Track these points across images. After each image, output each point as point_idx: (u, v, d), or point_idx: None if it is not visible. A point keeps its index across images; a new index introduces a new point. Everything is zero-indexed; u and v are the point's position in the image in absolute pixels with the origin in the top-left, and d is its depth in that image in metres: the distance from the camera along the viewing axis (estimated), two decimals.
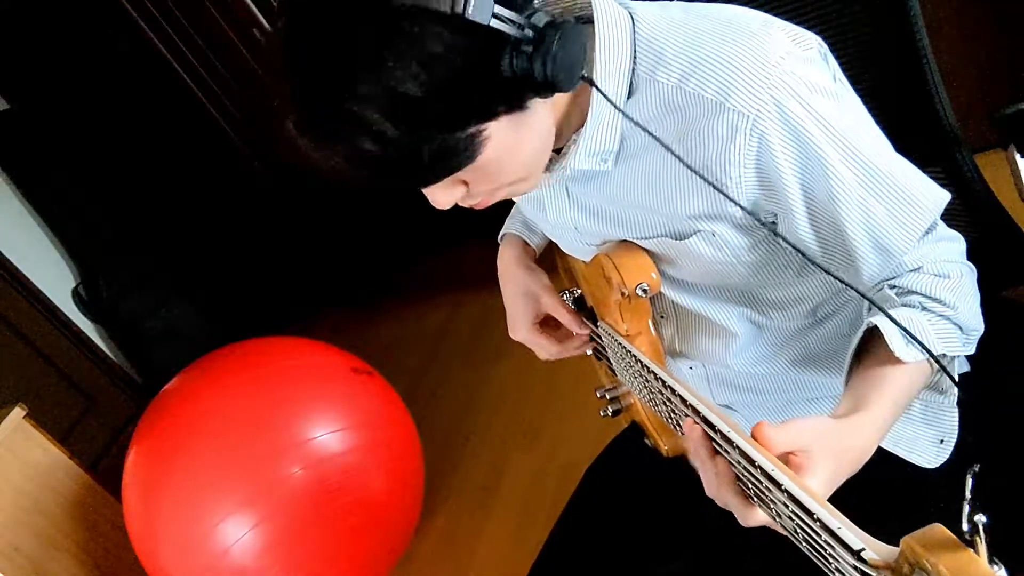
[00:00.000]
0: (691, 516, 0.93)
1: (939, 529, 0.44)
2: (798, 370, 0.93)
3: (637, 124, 0.70)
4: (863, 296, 0.70)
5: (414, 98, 0.59)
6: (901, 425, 0.81)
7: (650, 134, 0.70)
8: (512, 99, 0.64)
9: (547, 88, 0.63)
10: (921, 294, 0.75)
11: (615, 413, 1.04)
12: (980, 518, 0.43)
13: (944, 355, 0.74)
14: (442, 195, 0.70)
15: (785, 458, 0.61)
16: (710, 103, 0.70)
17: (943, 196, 0.77)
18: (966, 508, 0.44)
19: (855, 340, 0.75)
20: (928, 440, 0.82)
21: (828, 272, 0.70)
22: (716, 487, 0.64)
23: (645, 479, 1.03)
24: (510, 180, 0.72)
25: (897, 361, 0.70)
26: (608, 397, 1.04)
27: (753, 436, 0.60)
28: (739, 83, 0.69)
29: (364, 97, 0.59)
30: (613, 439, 1.13)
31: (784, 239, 0.71)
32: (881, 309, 0.71)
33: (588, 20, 0.74)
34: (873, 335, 0.73)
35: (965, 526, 0.44)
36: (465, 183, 0.70)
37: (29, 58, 2.96)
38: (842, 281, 0.69)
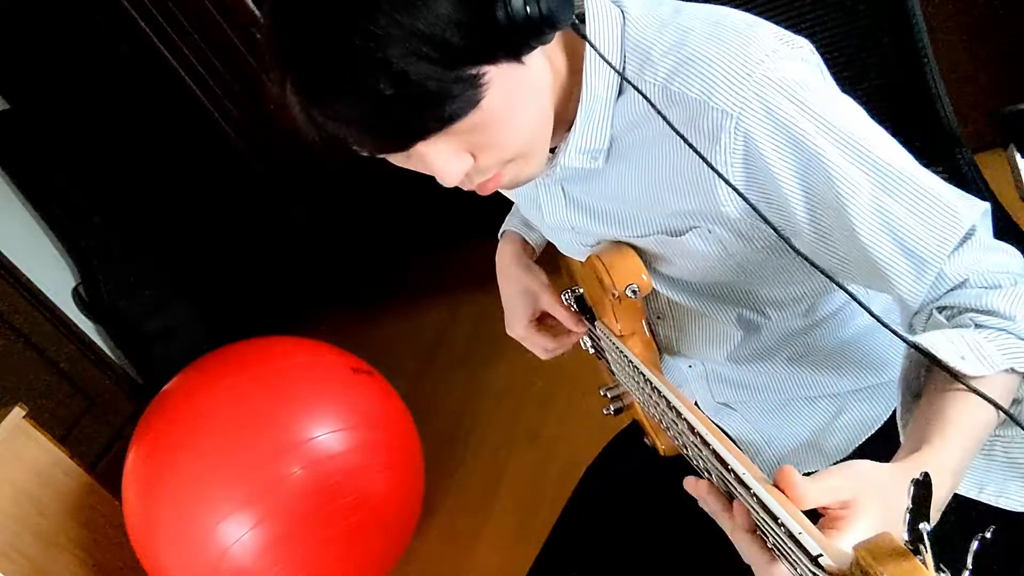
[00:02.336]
0: (690, 516, 0.93)
1: (887, 537, 0.44)
2: (797, 368, 0.93)
3: (641, 92, 0.69)
4: (861, 304, 0.63)
5: (419, 32, 0.59)
6: (982, 470, 0.70)
7: (659, 112, 0.68)
8: (510, 44, 0.64)
9: (541, 27, 0.63)
10: (972, 309, 0.67)
11: (617, 412, 1.04)
12: (924, 526, 0.43)
13: (1014, 371, 0.64)
14: (450, 165, 0.68)
15: (826, 511, 0.54)
16: (694, 102, 0.69)
17: (977, 205, 0.71)
18: (906, 517, 0.43)
19: (904, 367, 0.67)
20: (1016, 483, 0.70)
21: (828, 275, 0.64)
22: (735, 537, 0.58)
23: (644, 479, 1.03)
24: (513, 150, 0.71)
25: (960, 389, 0.61)
26: (610, 396, 1.04)
27: (777, 485, 0.53)
28: (721, 81, 0.68)
29: (370, 32, 0.59)
30: (613, 439, 1.13)
31: (787, 240, 0.66)
32: (900, 335, 0.62)
33: (580, 18, 0.74)
34: (930, 364, 0.63)
35: (906, 535, 0.43)
36: (472, 154, 0.69)
37: (29, 58, 2.96)
38: (837, 284, 0.65)
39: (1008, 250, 0.71)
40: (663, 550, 0.96)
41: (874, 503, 0.53)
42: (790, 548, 0.51)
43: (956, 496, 0.63)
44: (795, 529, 0.50)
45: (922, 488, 0.45)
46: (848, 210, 0.68)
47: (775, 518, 0.52)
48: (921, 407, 0.65)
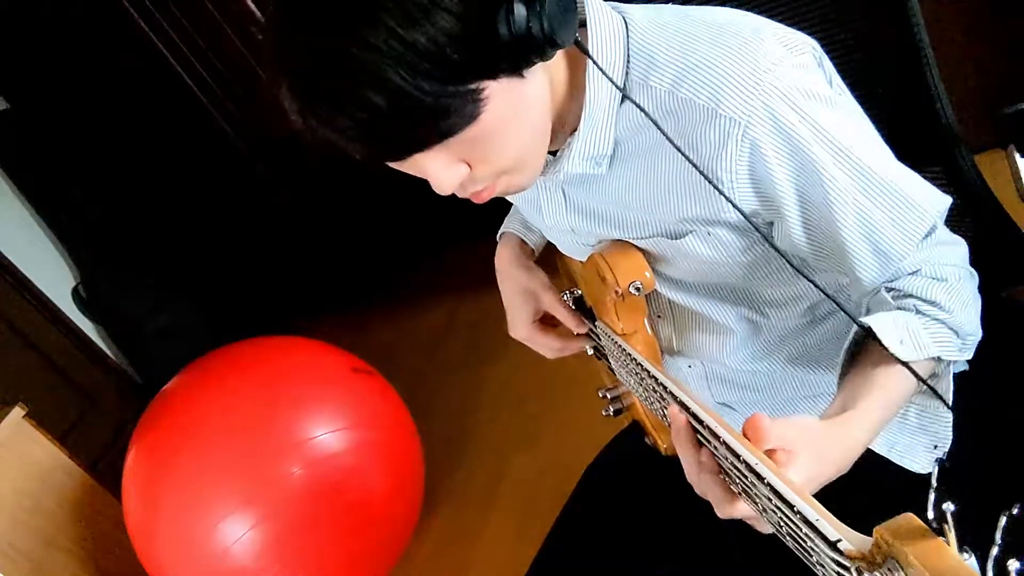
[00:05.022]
0: (690, 516, 0.93)
1: (909, 518, 0.45)
2: (797, 368, 0.93)
3: (639, 107, 0.70)
4: (838, 304, 0.71)
5: (420, 47, 0.59)
6: (895, 431, 0.80)
7: (654, 122, 0.69)
8: (511, 59, 0.64)
9: (543, 45, 0.63)
10: (917, 297, 0.75)
11: (616, 412, 1.04)
12: (948, 506, 0.43)
13: (939, 359, 0.74)
14: (445, 174, 0.68)
15: (770, 453, 0.62)
16: (702, 109, 0.70)
17: (943, 200, 0.76)
18: (932, 496, 0.44)
19: (848, 340, 0.74)
20: (922, 446, 0.81)
21: (812, 281, 0.72)
22: (697, 476, 0.65)
23: (644, 479, 1.03)
24: (508, 163, 0.71)
25: (890, 362, 0.70)
26: (609, 397, 1.04)
27: (745, 429, 0.61)
28: (730, 89, 0.69)
29: (370, 45, 0.59)
30: (612, 439, 1.13)
31: (775, 247, 0.72)
32: (853, 319, 0.71)
33: (581, 23, 0.74)
34: (868, 336, 0.72)
35: (931, 514, 0.44)
36: (467, 164, 0.69)
37: (29, 58, 2.96)
38: (823, 291, 0.71)
39: (958, 242, 0.79)
40: (663, 550, 0.96)
41: (810, 453, 0.62)
42: (807, 535, 0.52)
43: (977, 474, 0.70)
44: (812, 516, 0.51)
45: (944, 470, 0.45)
46: (834, 212, 0.72)
47: (791, 506, 0.53)
48: (855, 371, 0.74)
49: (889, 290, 0.77)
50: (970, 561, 0.42)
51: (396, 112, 0.61)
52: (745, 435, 0.61)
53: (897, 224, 0.74)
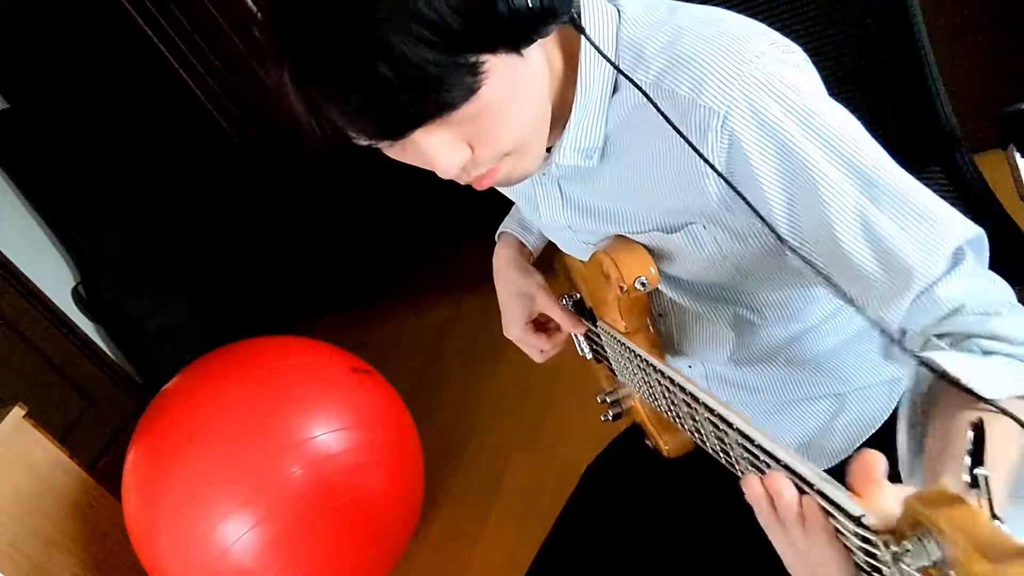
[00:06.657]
0: (689, 518, 0.93)
1: (941, 487, 0.43)
2: (797, 369, 0.93)
3: (633, 82, 0.69)
4: (858, 310, 0.62)
5: (422, 15, 0.60)
6: None
7: (648, 98, 0.68)
8: (510, 33, 0.64)
9: (541, 17, 0.63)
10: (979, 335, 0.62)
11: (616, 417, 1.04)
12: (982, 471, 0.41)
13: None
14: (446, 155, 0.68)
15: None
16: (683, 100, 0.69)
17: (967, 225, 0.66)
18: (967, 460, 0.42)
19: (909, 392, 0.63)
20: None
21: (825, 277, 0.65)
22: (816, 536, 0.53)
23: (644, 480, 1.03)
24: (509, 144, 0.71)
25: (973, 409, 0.55)
26: (609, 401, 1.04)
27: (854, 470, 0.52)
28: (711, 79, 0.68)
29: (374, 15, 0.59)
30: (613, 439, 1.13)
31: (787, 244, 0.67)
32: (900, 345, 0.60)
33: (577, 13, 0.74)
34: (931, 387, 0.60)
35: (967, 478, 0.42)
36: (469, 146, 0.69)
37: (28, 58, 2.96)
38: (838, 294, 0.64)
39: (998, 280, 0.67)
40: (663, 551, 0.96)
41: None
42: (829, 513, 0.51)
43: None
44: (832, 493, 0.50)
45: (980, 433, 0.44)
46: (831, 216, 0.66)
47: (811, 485, 0.52)
48: (936, 433, 0.60)
49: (940, 336, 0.64)
50: (1004, 528, 0.41)
51: (397, 82, 0.61)
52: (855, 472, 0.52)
53: (909, 233, 0.65)
